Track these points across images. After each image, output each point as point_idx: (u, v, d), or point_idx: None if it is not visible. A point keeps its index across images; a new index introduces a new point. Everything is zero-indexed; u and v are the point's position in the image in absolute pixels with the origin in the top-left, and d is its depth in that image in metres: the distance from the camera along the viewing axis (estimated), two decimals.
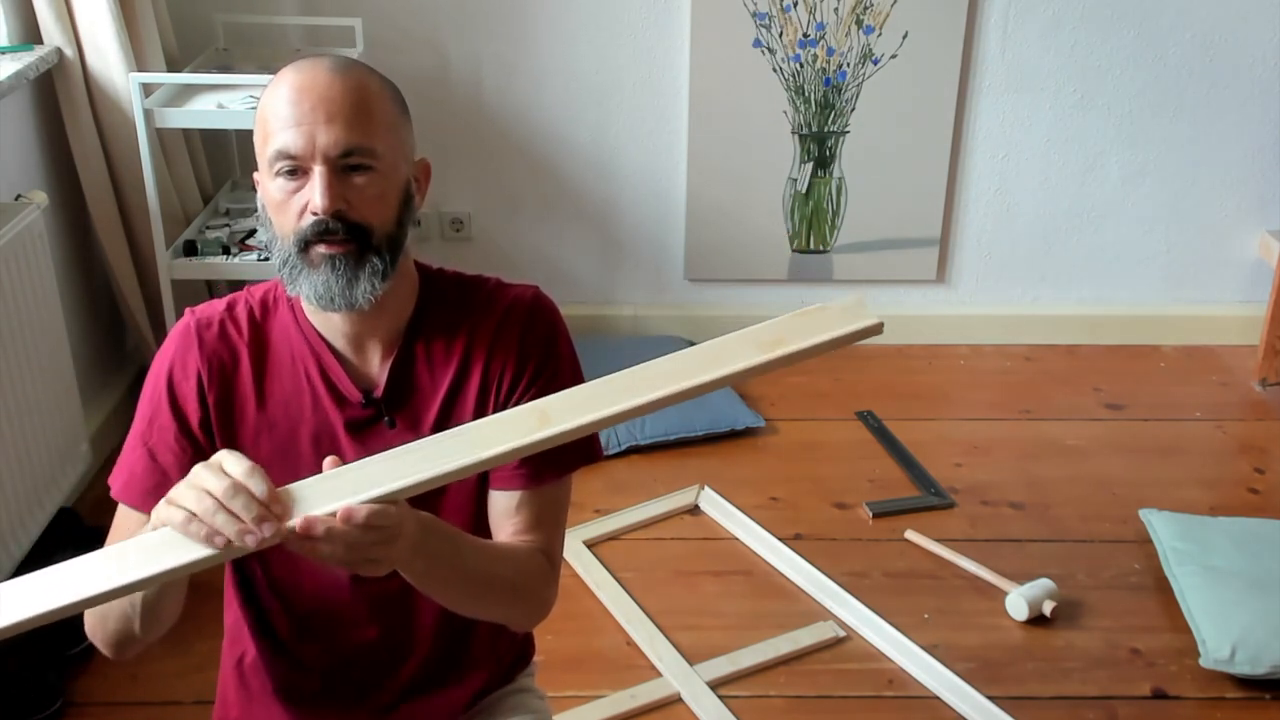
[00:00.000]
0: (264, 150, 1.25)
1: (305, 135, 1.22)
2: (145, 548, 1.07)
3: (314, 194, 1.22)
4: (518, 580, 1.32)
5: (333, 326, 1.33)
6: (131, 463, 1.33)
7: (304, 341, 1.33)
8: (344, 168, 1.23)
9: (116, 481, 1.34)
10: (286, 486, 1.08)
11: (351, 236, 1.24)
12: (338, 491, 1.08)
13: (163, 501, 1.08)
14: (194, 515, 1.05)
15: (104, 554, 1.08)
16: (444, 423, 1.33)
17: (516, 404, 1.33)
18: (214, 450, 1.33)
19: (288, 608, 1.40)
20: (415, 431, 1.33)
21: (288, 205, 1.24)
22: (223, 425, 1.32)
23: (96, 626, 1.28)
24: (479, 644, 1.46)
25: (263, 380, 1.33)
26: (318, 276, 1.24)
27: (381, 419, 1.33)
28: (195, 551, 1.05)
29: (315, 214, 1.23)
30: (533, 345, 1.35)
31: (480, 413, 1.34)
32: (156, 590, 1.20)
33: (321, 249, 1.24)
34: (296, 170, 1.23)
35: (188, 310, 1.37)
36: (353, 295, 1.25)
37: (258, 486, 1.06)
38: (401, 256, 1.30)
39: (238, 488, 1.05)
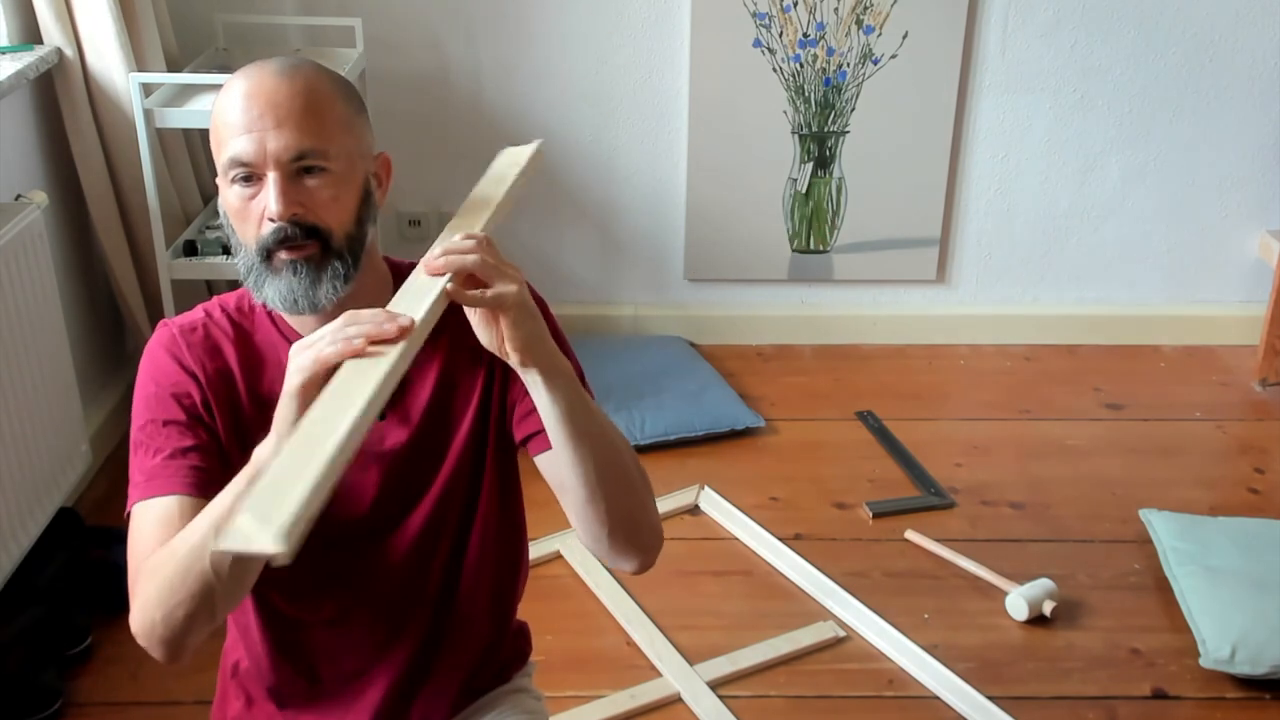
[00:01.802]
0: (219, 158, 1.25)
1: (256, 141, 1.21)
2: (335, 394, 1.03)
3: (268, 200, 1.22)
4: (637, 463, 1.32)
5: (307, 326, 1.32)
6: (154, 466, 1.26)
7: (285, 341, 1.33)
8: (297, 171, 1.23)
9: (144, 485, 1.26)
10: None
11: (311, 240, 1.24)
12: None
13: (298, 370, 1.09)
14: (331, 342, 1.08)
15: (305, 422, 1.00)
16: (437, 410, 1.34)
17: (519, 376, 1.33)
18: (223, 437, 1.30)
19: (275, 618, 1.39)
20: (407, 424, 1.34)
21: (246, 213, 1.25)
22: (224, 421, 1.30)
23: (161, 607, 1.17)
24: (470, 643, 1.45)
25: (254, 376, 1.33)
26: (281, 282, 1.25)
27: None
28: (376, 369, 1.04)
29: (271, 220, 1.23)
30: None
31: (486, 393, 1.35)
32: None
33: (283, 255, 1.24)
34: (251, 177, 1.23)
35: (162, 323, 1.35)
36: (316, 297, 1.25)
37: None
38: (366, 254, 1.29)
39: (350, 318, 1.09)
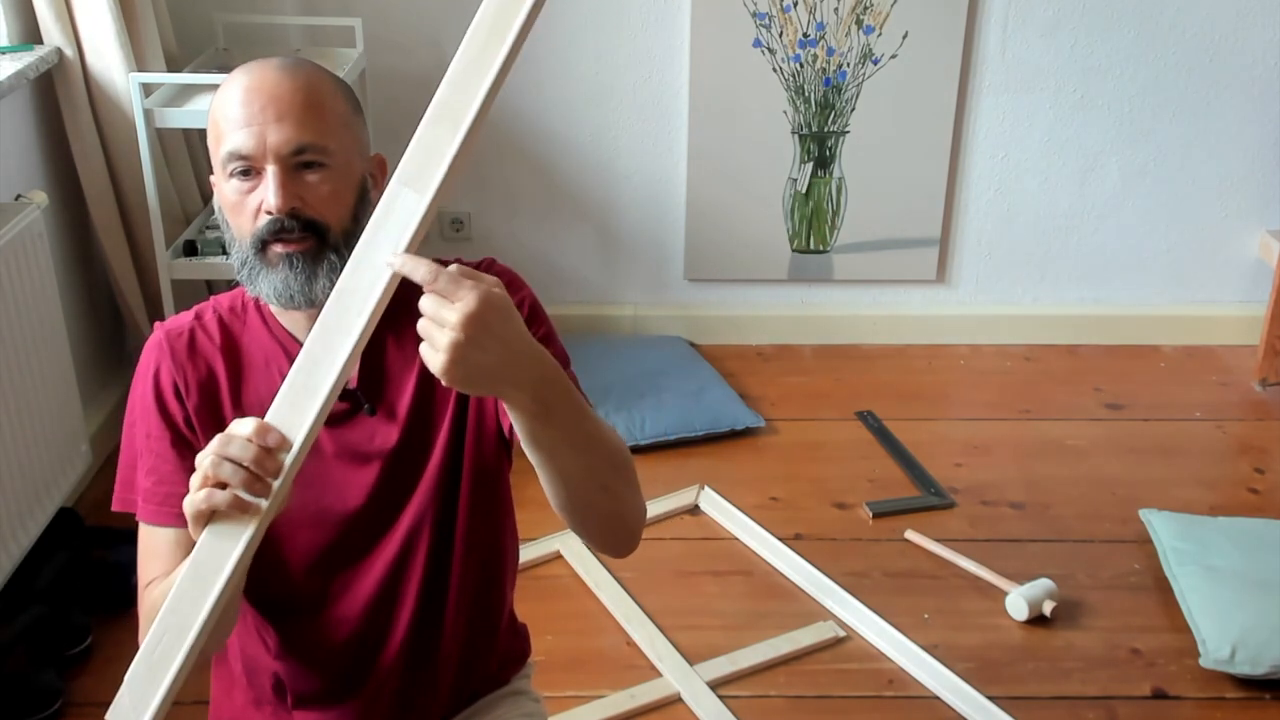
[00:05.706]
0: (217, 152, 1.26)
1: (256, 135, 1.22)
2: (196, 563, 1.10)
3: (268, 193, 1.23)
4: (626, 456, 1.27)
5: (299, 324, 1.33)
6: (152, 491, 1.32)
7: (275, 342, 1.34)
8: (297, 165, 1.24)
9: (144, 508, 1.32)
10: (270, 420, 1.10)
11: (308, 234, 1.25)
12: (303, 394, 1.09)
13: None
14: (203, 482, 1.08)
15: (174, 593, 1.11)
16: (423, 405, 1.34)
17: None
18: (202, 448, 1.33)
19: (271, 611, 1.40)
20: (394, 418, 1.34)
21: (243, 206, 1.25)
22: (206, 432, 1.32)
23: None
24: (459, 634, 1.45)
25: (239, 384, 1.34)
26: (276, 275, 1.25)
27: (360, 410, 1.34)
28: (240, 532, 1.08)
29: (270, 213, 1.23)
30: None
31: None
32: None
33: (278, 248, 1.25)
34: (250, 170, 1.24)
35: (157, 324, 1.37)
36: (312, 292, 1.26)
37: (244, 429, 1.09)
38: None
39: (227, 439, 1.08)
